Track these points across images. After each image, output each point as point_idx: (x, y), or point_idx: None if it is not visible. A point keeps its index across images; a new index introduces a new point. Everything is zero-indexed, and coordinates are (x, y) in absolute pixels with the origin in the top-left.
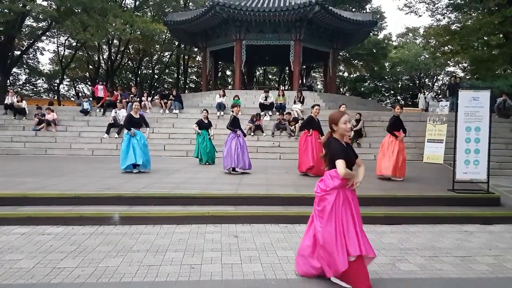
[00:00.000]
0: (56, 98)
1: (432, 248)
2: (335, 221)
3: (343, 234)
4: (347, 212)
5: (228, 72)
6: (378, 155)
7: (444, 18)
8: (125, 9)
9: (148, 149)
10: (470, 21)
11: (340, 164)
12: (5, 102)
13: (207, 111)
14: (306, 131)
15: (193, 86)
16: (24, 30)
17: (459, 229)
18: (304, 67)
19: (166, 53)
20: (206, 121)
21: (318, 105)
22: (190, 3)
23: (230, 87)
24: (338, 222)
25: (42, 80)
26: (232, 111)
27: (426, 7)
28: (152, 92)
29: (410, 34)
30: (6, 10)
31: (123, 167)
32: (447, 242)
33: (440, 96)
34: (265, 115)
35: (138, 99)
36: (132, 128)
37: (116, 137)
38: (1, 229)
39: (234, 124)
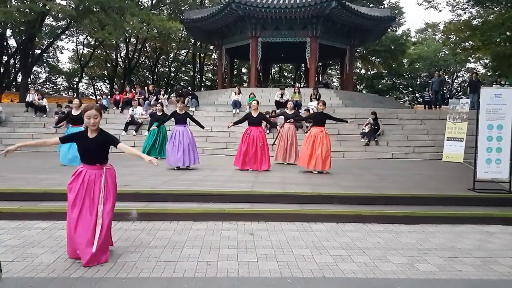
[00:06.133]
0: (75, 96)
1: (452, 249)
2: (72, 207)
3: (77, 218)
4: (86, 198)
5: (243, 70)
6: (301, 150)
7: (465, 13)
8: (142, 7)
9: None
10: (492, 16)
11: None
12: (26, 100)
13: (162, 105)
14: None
15: (209, 84)
16: (44, 29)
17: (480, 229)
18: (320, 64)
19: (182, 51)
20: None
21: (257, 101)
22: (206, 1)
23: (245, 84)
24: (76, 208)
25: (62, 78)
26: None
27: (447, 2)
28: (169, 90)
29: (430, 30)
30: (27, 10)
31: (63, 161)
32: (467, 243)
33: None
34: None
35: (155, 96)
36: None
37: (134, 135)
38: (23, 224)
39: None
